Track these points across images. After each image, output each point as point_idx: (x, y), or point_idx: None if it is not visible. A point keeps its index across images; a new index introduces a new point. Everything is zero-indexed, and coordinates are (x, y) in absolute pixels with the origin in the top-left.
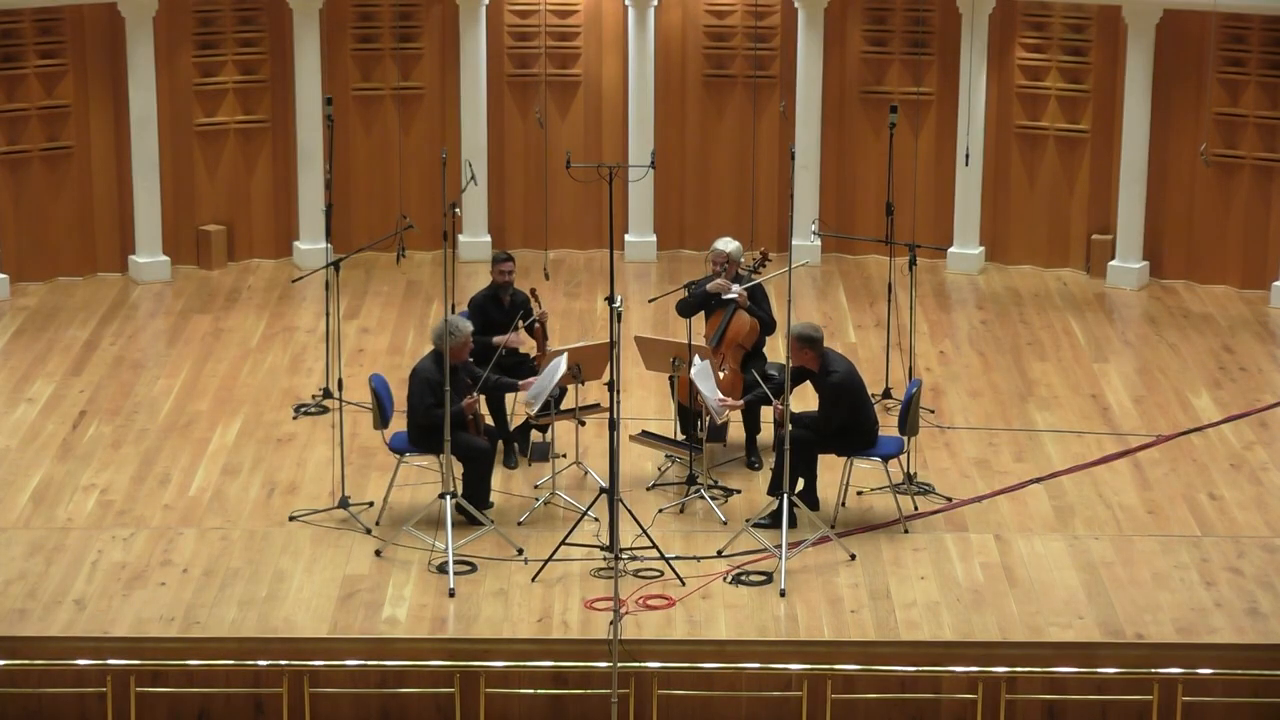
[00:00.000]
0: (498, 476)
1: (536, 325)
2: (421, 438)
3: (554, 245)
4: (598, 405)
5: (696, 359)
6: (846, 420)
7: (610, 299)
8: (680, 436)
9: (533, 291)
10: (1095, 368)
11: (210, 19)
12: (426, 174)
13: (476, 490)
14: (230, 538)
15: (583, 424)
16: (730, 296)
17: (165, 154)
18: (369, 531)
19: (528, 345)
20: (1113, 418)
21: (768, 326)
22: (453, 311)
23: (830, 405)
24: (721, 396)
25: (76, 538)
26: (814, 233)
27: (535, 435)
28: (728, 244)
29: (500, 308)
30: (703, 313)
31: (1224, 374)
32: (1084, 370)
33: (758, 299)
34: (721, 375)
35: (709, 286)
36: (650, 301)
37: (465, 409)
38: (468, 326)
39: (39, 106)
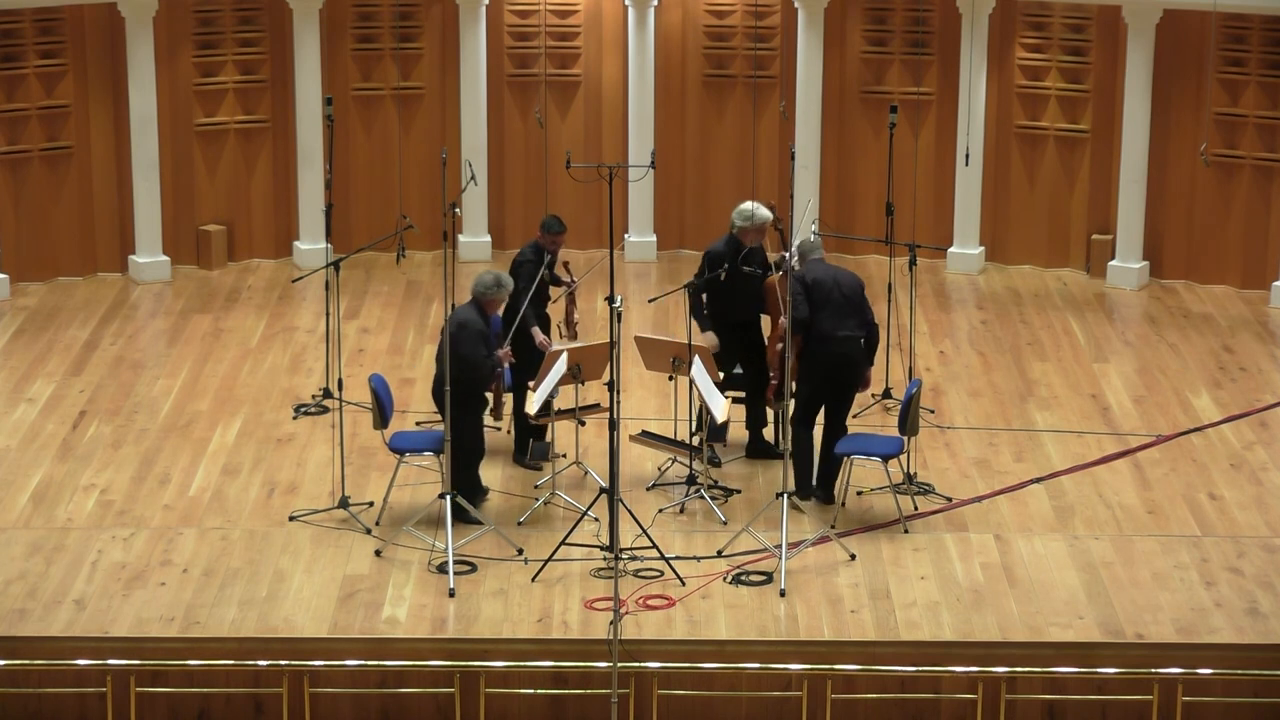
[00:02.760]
0: (499, 477)
1: (566, 295)
2: (459, 395)
3: None
4: (598, 405)
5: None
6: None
7: (610, 299)
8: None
9: (565, 264)
10: (1095, 368)
11: (210, 19)
12: (426, 174)
13: (465, 483)
14: (230, 538)
15: (583, 424)
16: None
17: (165, 154)
18: (369, 531)
19: (556, 315)
20: (1113, 418)
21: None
22: (451, 310)
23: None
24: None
25: (76, 538)
26: (813, 232)
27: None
28: (763, 210)
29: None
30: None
31: (1224, 374)
32: (1084, 370)
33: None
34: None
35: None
36: (650, 301)
37: (500, 359)
38: (510, 283)
39: (39, 106)
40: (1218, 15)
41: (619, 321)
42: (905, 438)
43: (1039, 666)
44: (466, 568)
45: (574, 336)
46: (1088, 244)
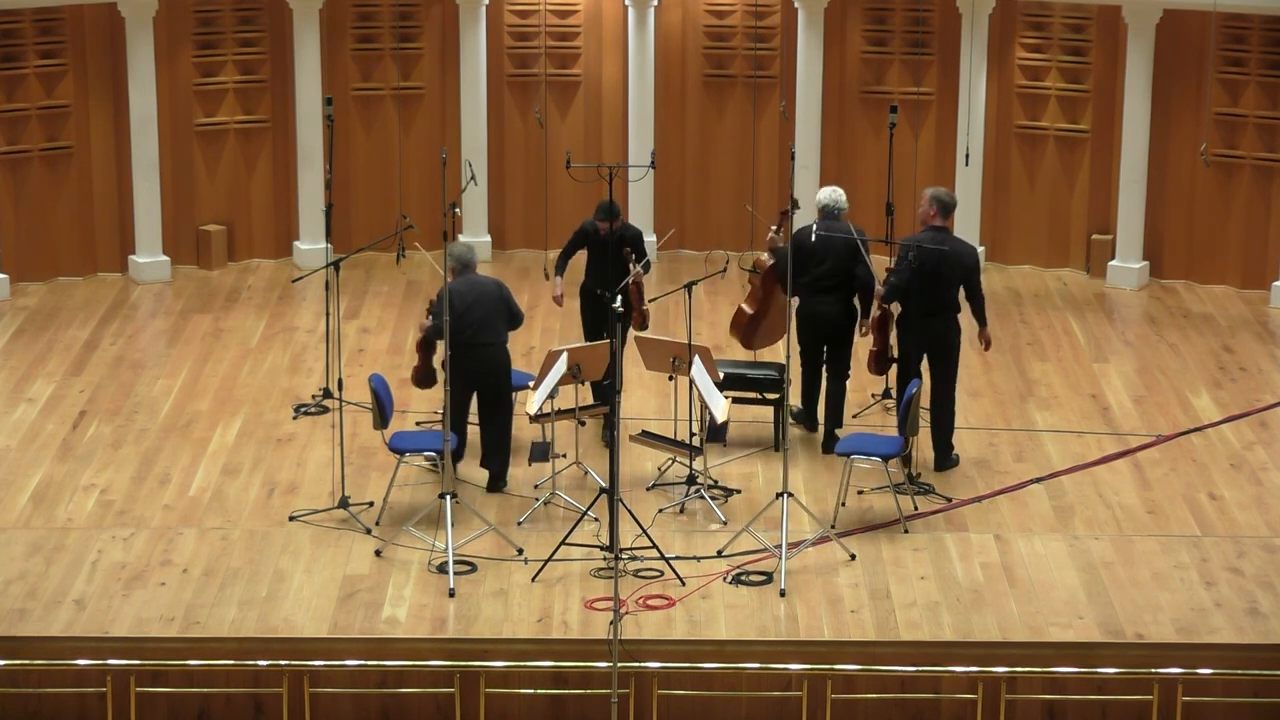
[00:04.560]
0: None
1: (631, 286)
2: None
3: (554, 245)
4: (598, 405)
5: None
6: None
7: (610, 298)
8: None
9: (629, 253)
10: (1095, 368)
11: (210, 19)
12: (426, 174)
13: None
14: (230, 538)
15: (583, 424)
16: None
17: (165, 154)
18: (369, 531)
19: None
20: (1113, 418)
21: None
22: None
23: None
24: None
25: (76, 538)
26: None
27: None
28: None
29: (599, 240)
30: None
31: (1224, 374)
32: (1084, 370)
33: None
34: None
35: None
36: (650, 301)
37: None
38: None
39: (39, 106)
40: (1218, 15)
41: (619, 321)
42: (905, 438)
43: (1039, 666)
44: (466, 568)
45: (637, 326)
46: (1088, 244)
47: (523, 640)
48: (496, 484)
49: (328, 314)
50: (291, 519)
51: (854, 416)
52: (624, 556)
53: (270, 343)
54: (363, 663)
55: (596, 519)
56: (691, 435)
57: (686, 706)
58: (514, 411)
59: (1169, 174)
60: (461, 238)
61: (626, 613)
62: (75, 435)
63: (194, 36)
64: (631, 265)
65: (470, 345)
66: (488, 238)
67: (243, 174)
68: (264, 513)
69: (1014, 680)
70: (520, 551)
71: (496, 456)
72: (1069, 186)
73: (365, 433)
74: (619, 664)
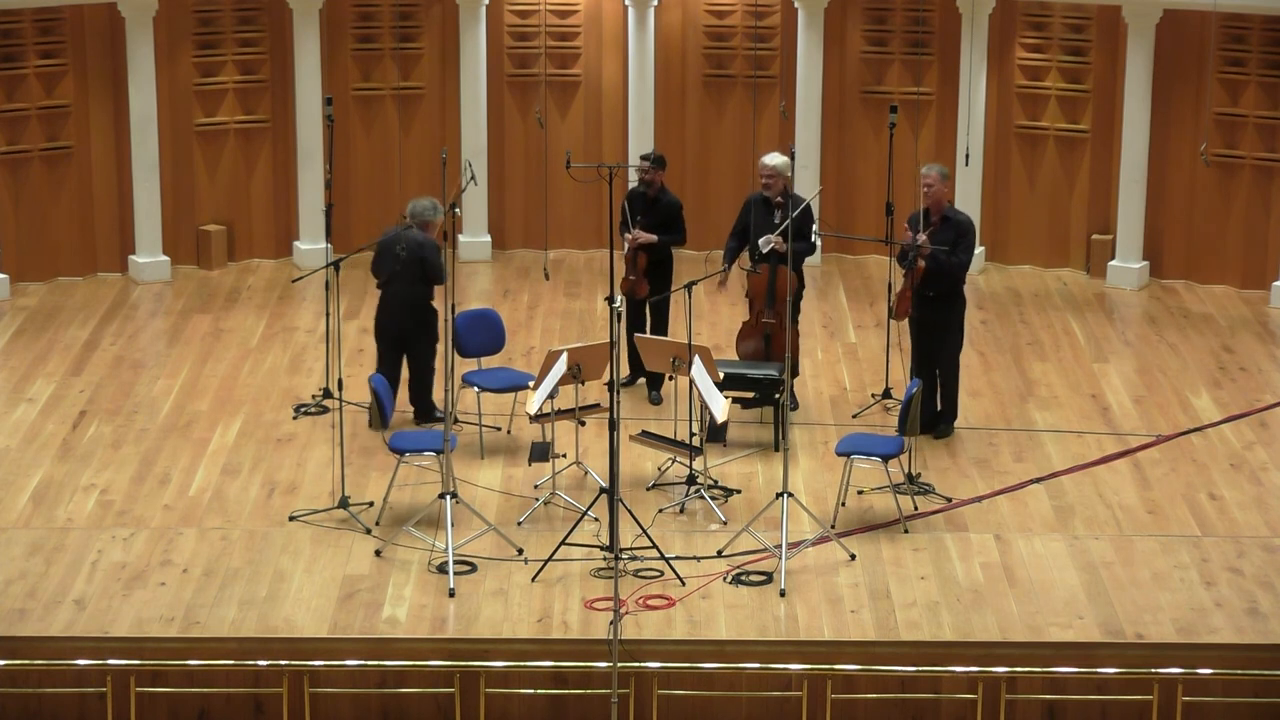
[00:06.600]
0: (499, 476)
1: (625, 253)
2: (429, 317)
3: (554, 245)
4: (598, 405)
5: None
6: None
7: (610, 299)
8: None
9: (638, 221)
10: (1095, 368)
11: (210, 19)
12: (426, 174)
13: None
14: (230, 538)
15: (583, 424)
16: (769, 248)
17: (165, 154)
18: (369, 531)
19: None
20: (1113, 418)
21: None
22: (452, 314)
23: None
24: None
25: (76, 538)
26: (815, 232)
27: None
28: (774, 157)
29: (641, 204)
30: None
31: (1224, 374)
32: (1084, 370)
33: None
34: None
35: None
36: (650, 301)
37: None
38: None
39: (39, 106)
40: (1218, 15)
41: (619, 321)
42: (905, 438)
43: (1039, 666)
44: (466, 568)
45: (623, 290)
46: (1088, 244)
47: (523, 640)
48: (420, 421)
49: (328, 314)
50: (291, 519)
51: (854, 416)
52: (624, 556)
53: (270, 343)
54: (363, 663)
55: (596, 519)
56: (691, 435)
57: (686, 706)
58: (432, 366)
59: (1169, 174)
60: (461, 238)
61: (626, 613)
62: (75, 435)
63: (194, 36)
64: (634, 228)
65: (384, 293)
66: (488, 238)
67: (243, 174)
68: (264, 513)
69: (1014, 680)
70: (520, 551)
71: (415, 402)
72: (1069, 186)
73: (365, 433)
74: (619, 664)
